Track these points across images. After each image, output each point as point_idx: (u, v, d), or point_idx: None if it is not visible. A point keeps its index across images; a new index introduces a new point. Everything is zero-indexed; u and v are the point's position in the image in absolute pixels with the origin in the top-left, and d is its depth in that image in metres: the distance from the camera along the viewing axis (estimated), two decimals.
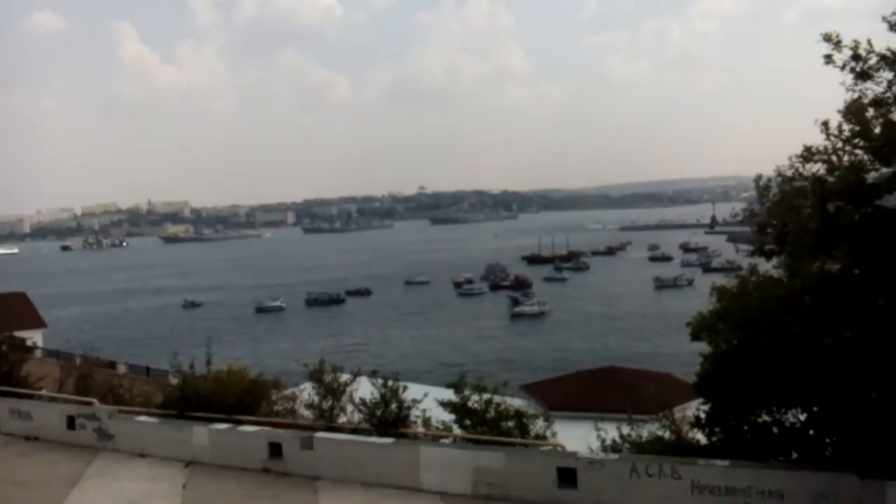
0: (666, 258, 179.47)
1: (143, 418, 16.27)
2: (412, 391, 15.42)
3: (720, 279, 12.98)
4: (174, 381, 21.73)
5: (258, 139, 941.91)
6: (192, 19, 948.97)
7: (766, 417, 11.88)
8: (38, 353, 43.87)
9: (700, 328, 12.72)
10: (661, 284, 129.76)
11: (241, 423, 14.95)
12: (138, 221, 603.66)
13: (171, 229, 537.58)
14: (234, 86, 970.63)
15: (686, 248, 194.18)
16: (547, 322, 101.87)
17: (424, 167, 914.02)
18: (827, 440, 11.58)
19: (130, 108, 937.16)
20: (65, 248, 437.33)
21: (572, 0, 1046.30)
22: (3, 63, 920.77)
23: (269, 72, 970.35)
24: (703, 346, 12.98)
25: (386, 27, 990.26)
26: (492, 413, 14.77)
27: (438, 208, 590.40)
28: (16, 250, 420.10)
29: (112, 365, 41.81)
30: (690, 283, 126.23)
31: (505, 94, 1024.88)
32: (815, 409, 11.46)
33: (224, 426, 14.64)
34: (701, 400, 12.92)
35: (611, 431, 14.03)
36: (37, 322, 58.19)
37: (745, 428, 11.97)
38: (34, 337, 47.82)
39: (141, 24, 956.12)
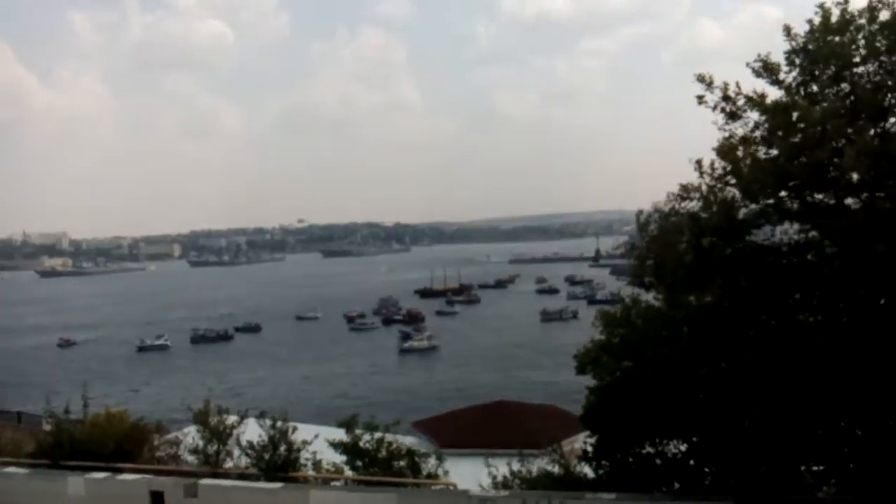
0: (553, 291, 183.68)
1: (11, 469, 15.29)
2: (302, 432, 15.15)
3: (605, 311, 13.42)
4: (47, 427, 20.57)
5: (142, 167, 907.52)
6: (74, 40, 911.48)
7: (649, 449, 12.23)
8: None
9: (585, 361, 13.03)
10: (547, 317, 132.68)
11: (120, 471, 14.30)
12: (12, 253, 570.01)
13: (49, 262, 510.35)
14: (118, 111, 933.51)
15: (572, 281, 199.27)
16: (437, 356, 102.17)
17: (316, 198, 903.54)
18: (706, 469, 12.03)
19: (3, 133, 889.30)
20: None
21: (464, 34, 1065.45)
22: None
23: (155, 97, 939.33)
24: (590, 380, 13.33)
25: (279, 56, 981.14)
26: (383, 453, 14.65)
27: (331, 241, 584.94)
28: None
29: None
30: (575, 315, 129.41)
31: (398, 125, 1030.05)
32: (694, 438, 11.90)
33: (102, 475, 13.94)
34: (587, 433, 13.21)
35: (502, 467, 14.15)
36: None
37: (630, 460, 12.30)
38: None
39: (18, 45, 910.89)
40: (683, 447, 12.10)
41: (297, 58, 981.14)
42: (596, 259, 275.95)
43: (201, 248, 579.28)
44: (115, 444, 15.51)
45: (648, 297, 12.97)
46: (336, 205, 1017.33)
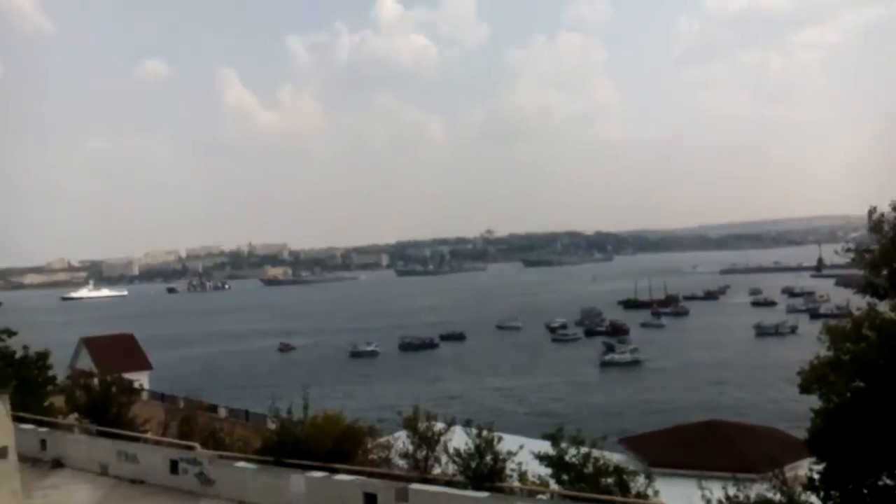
0: (770, 303, 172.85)
1: (242, 464, 16.54)
2: (507, 442, 15.17)
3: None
4: (272, 425, 22.11)
5: (354, 181, 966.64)
6: (291, 63, 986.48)
7: (887, 480, 11.09)
8: (144, 396, 45.60)
9: (811, 380, 12.08)
10: (761, 332, 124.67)
11: (336, 471, 14.99)
12: (240, 264, 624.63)
13: (271, 271, 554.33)
14: (330, 128, 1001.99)
15: (791, 293, 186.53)
16: (640, 370, 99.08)
17: (516, 207, 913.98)
18: None
19: (232, 152, 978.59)
20: (171, 291, 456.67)
21: (666, 34, 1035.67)
22: (114, 109, 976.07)
23: (364, 113, 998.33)
24: (814, 399, 12.31)
25: (478, 66, 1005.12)
26: (590, 468, 14.34)
27: (531, 250, 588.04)
28: (125, 293, 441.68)
29: (213, 408, 42.98)
30: (794, 330, 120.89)
31: (597, 131, 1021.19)
32: None
33: (320, 474, 14.71)
34: (813, 459, 12.21)
35: (716, 491, 13.37)
36: (143, 364, 60.63)
37: (865, 492, 11.20)
38: (140, 379, 49.95)
39: (243, 69, 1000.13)
40: None
41: (496, 66, 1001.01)
42: (818, 268, 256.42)
43: (407, 258, 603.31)
44: (332, 445, 16.32)
45: (884, 308, 11.79)
46: (536, 214, 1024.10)
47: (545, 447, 15.25)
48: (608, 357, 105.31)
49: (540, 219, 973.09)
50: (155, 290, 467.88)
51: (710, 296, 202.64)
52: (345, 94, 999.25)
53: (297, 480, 14.67)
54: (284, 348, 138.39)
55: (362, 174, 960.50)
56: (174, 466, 16.86)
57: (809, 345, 12.46)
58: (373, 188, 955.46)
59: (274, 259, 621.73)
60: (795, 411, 53.31)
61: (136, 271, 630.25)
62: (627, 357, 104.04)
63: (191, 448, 17.88)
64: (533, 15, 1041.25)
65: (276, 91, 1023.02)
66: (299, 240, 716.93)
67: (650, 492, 14.04)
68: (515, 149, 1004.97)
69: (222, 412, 45.74)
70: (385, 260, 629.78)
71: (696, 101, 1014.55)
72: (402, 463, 16.23)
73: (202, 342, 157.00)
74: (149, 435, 22.50)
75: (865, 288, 12.13)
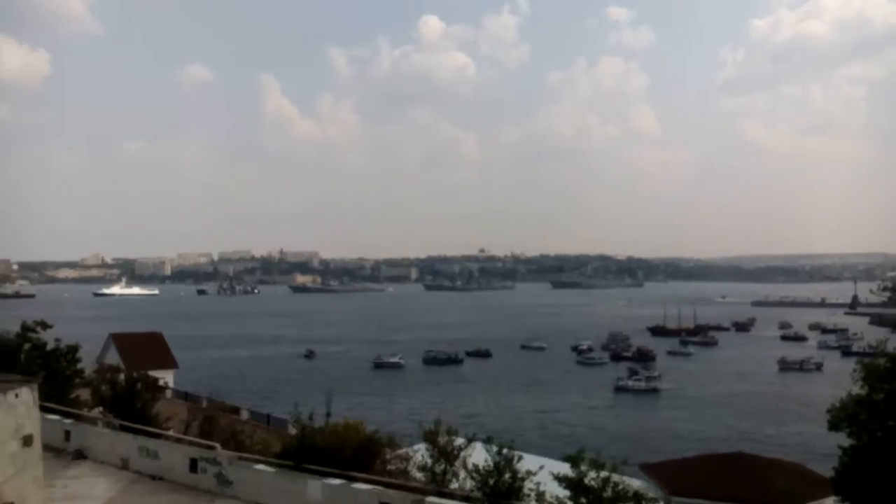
0: (800, 338, 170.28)
1: (260, 466, 16.59)
2: (526, 462, 15.07)
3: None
4: (293, 430, 22.19)
5: (386, 194, 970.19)
6: (332, 74, 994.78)
7: None
8: (168, 394, 46.03)
9: (840, 417, 11.87)
10: (786, 366, 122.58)
11: (354, 479, 14.97)
12: (270, 269, 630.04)
13: (301, 279, 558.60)
14: (366, 140, 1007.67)
15: (823, 329, 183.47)
16: (655, 399, 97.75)
17: (548, 228, 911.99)
18: None
19: (269, 159, 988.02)
20: (201, 292, 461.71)
21: (709, 62, 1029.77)
22: (157, 113, 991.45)
23: (400, 127, 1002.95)
24: (841, 437, 12.09)
25: (517, 86, 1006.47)
26: (609, 492, 14.20)
27: (561, 271, 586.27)
28: (156, 291, 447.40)
29: (235, 410, 43.27)
30: (819, 367, 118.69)
31: (634, 156, 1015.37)
32: None
33: (338, 482, 14.69)
34: (838, 498, 11.98)
35: None
36: (169, 362, 61.23)
37: None
38: (166, 377, 50.37)
39: (284, 78, 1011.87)
40: None
41: (534, 87, 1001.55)
42: (853, 306, 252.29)
43: (436, 273, 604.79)
44: (352, 453, 16.35)
45: None
46: (568, 236, 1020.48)
47: (565, 469, 15.12)
48: (622, 383, 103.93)
49: (571, 241, 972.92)
50: (185, 291, 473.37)
51: (742, 327, 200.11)
52: (382, 108, 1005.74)
53: (315, 486, 14.68)
54: (309, 355, 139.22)
55: (396, 188, 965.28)
56: (194, 465, 16.96)
57: (836, 382, 12.22)
58: (405, 202, 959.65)
59: (304, 267, 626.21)
60: (817, 448, 52.65)
61: (167, 271, 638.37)
62: (642, 385, 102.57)
63: (211, 448, 17.99)
64: (576, 38, 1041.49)
65: (315, 101, 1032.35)
66: (330, 249, 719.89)
67: None
68: (550, 170, 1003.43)
69: (244, 414, 46.02)
70: (414, 274, 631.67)
71: (735, 130, 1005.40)
72: (419, 476, 16.18)
73: (229, 345, 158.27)
74: (171, 432, 22.69)
75: None
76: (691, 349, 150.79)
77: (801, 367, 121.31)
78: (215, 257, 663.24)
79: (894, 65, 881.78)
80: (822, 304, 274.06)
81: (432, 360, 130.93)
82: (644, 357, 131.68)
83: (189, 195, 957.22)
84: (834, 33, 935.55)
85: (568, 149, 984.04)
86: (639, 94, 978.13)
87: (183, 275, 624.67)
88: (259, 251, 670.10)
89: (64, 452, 19.80)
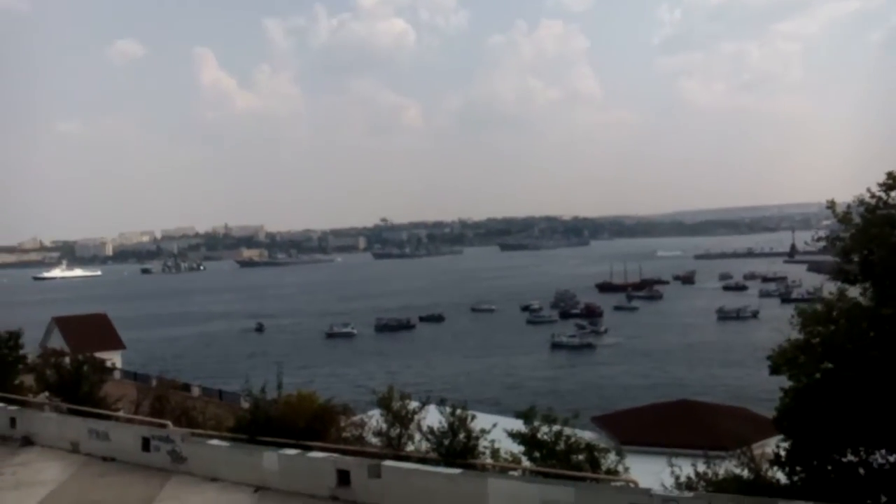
0: (741, 287, 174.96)
1: (214, 442, 16.48)
2: (480, 420, 15.26)
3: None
4: (246, 404, 22.07)
5: (331, 164, 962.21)
6: (269, 45, 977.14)
7: (852, 457, 11.31)
8: (117, 375, 45.29)
9: (781, 361, 12.25)
10: (723, 315, 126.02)
11: (310, 448, 14.99)
12: (215, 245, 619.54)
13: (247, 253, 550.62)
14: (308, 111, 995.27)
15: (764, 278, 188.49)
16: (594, 354, 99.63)
17: (494, 192, 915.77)
18: None
19: (208, 133, 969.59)
20: (145, 271, 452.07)
21: (648, 22, 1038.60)
22: (88, 90, 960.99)
23: (342, 97, 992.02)
24: (782, 380, 12.50)
25: (458, 51, 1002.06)
26: (562, 445, 14.49)
27: (508, 234, 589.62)
28: (99, 272, 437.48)
29: (186, 387, 42.74)
30: (755, 314, 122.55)
31: (576, 118, 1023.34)
32: None
33: (293, 452, 14.69)
34: (781, 437, 12.41)
35: (685, 468, 13.55)
36: (116, 343, 60.10)
37: (829, 468, 11.42)
38: (113, 358, 49.49)
39: (219, 51, 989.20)
40: (893, 458, 11.07)
41: (475, 53, 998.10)
42: (791, 254, 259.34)
43: (384, 241, 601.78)
44: (306, 424, 16.34)
45: (854, 293, 11.98)
46: (514, 199, 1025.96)
47: (518, 425, 15.37)
48: (556, 339, 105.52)
49: (517, 204, 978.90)
50: (129, 271, 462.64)
51: (685, 280, 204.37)
52: (323, 77, 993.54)
53: (270, 457, 14.66)
54: (260, 329, 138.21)
55: (340, 157, 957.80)
56: (146, 444, 16.76)
57: (773, 328, 12.62)
58: (350, 172, 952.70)
59: (250, 241, 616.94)
60: (757, 391, 54.43)
61: (109, 252, 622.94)
62: (576, 341, 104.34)
63: (163, 426, 17.81)
64: (514, 1, 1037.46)
65: (253, 73, 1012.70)
66: (276, 222, 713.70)
67: (620, 468, 14.21)
68: (494, 134, 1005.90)
69: (195, 391, 45.52)
70: (362, 243, 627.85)
71: (674, 89, 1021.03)
72: (375, 441, 16.27)
73: (177, 323, 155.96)
74: (121, 413, 22.36)
75: (837, 274, 12.32)
76: (637, 303, 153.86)
77: (738, 315, 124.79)
78: (158, 235, 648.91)
79: (828, 19, 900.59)
80: (762, 253, 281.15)
81: (384, 328, 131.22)
82: (592, 313, 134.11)
83: (128, 173, 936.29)
84: None
85: (511, 113, 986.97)
86: (579, 57, 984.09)
87: (125, 255, 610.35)
88: (203, 227, 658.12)
89: (11, 440, 19.41)
